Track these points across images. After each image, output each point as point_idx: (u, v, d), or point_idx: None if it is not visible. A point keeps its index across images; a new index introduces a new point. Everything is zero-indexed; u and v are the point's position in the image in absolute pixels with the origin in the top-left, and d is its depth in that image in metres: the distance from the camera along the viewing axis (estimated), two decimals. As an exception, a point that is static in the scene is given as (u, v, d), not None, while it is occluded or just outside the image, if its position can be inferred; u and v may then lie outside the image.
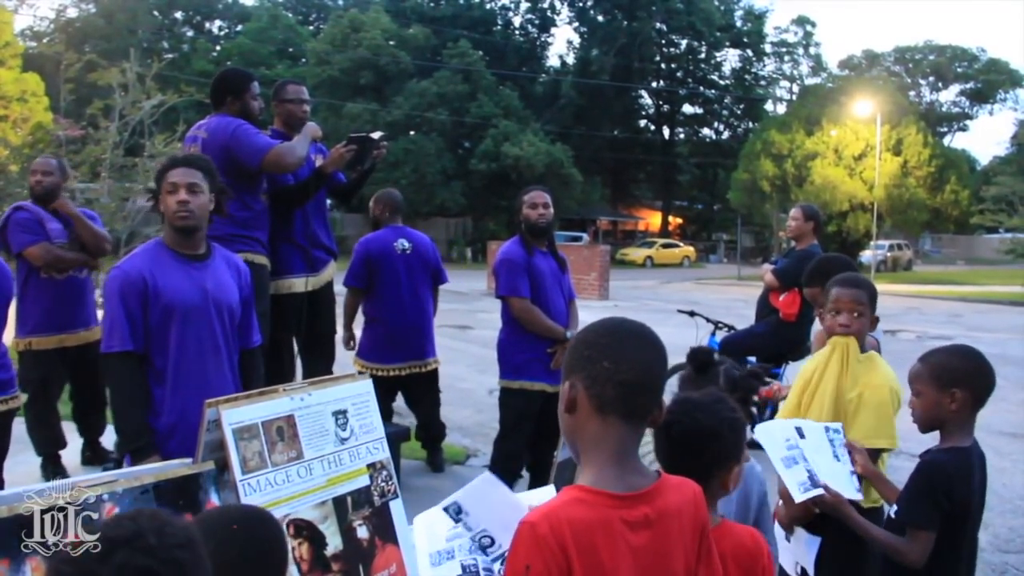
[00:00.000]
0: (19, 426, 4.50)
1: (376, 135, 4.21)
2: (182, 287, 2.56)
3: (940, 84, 49.76)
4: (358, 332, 5.01)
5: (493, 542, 1.56)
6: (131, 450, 2.48)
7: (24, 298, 4.41)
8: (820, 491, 2.14)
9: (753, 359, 5.80)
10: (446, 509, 1.58)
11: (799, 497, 2.12)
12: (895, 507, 2.19)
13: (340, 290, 4.45)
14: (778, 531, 2.36)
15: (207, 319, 2.60)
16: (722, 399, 1.78)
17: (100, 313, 3.29)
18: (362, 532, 2.37)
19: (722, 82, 47.47)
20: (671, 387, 2.45)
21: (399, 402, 5.18)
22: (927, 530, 2.07)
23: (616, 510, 1.27)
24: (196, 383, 2.55)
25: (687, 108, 48.50)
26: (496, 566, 1.52)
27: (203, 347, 2.60)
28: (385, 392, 4.83)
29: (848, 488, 2.22)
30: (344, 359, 4.94)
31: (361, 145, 4.11)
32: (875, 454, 2.37)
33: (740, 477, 1.72)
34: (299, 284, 4.19)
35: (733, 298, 18.72)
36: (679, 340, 5.83)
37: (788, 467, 2.15)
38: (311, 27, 45.09)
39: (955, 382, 2.09)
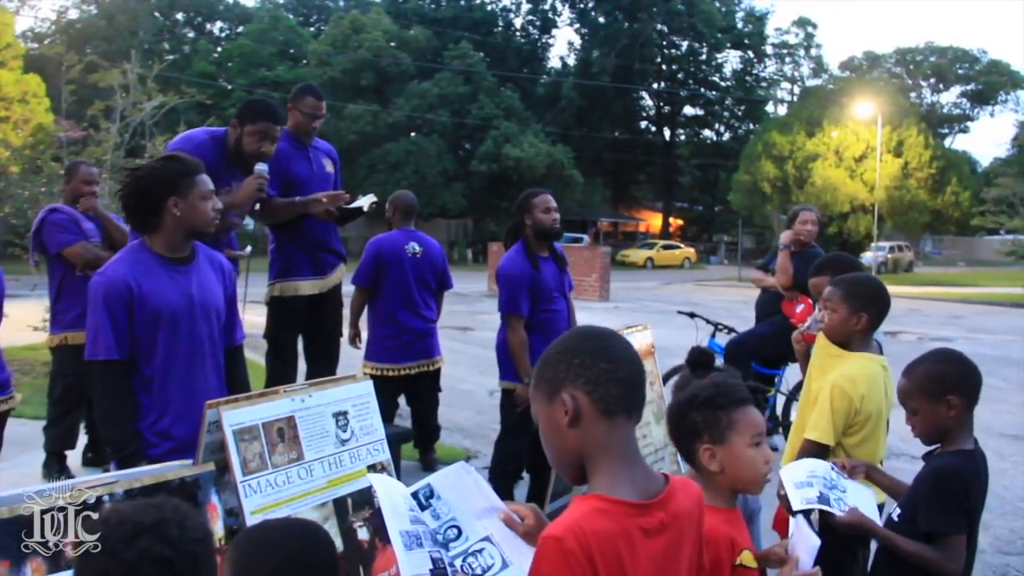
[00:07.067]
0: (20, 427, 4.50)
1: (366, 206, 4.15)
2: (168, 292, 2.51)
3: (941, 85, 49.77)
4: (364, 332, 5.01)
5: (459, 534, 1.52)
6: (118, 457, 2.45)
7: (60, 297, 4.51)
8: (815, 506, 2.08)
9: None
10: (415, 494, 1.55)
11: (798, 506, 2.06)
12: (899, 510, 2.16)
13: (347, 291, 4.44)
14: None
15: (193, 324, 2.56)
16: (734, 383, 1.81)
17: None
18: (362, 533, 2.36)
19: (723, 83, 47.51)
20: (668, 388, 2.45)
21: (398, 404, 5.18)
22: (960, 534, 2.02)
23: (634, 518, 1.26)
24: (183, 388, 2.53)
25: (688, 109, 48.57)
26: (458, 562, 1.49)
27: (190, 352, 2.56)
28: (393, 393, 4.83)
29: (871, 510, 2.18)
30: (348, 361, 4.93)
31: (347, 212, 4.10)
32: (823, 448, 2.40)
33: (716, 462, 1.72)
34: (305, 287, 4.17)
35: (733, 299, 18.71)
36: (679, 341, 5.84)
37: (799, 487, 2.11)
38: (312, 28, 45.08)
39: (948, 389, 2.06)
